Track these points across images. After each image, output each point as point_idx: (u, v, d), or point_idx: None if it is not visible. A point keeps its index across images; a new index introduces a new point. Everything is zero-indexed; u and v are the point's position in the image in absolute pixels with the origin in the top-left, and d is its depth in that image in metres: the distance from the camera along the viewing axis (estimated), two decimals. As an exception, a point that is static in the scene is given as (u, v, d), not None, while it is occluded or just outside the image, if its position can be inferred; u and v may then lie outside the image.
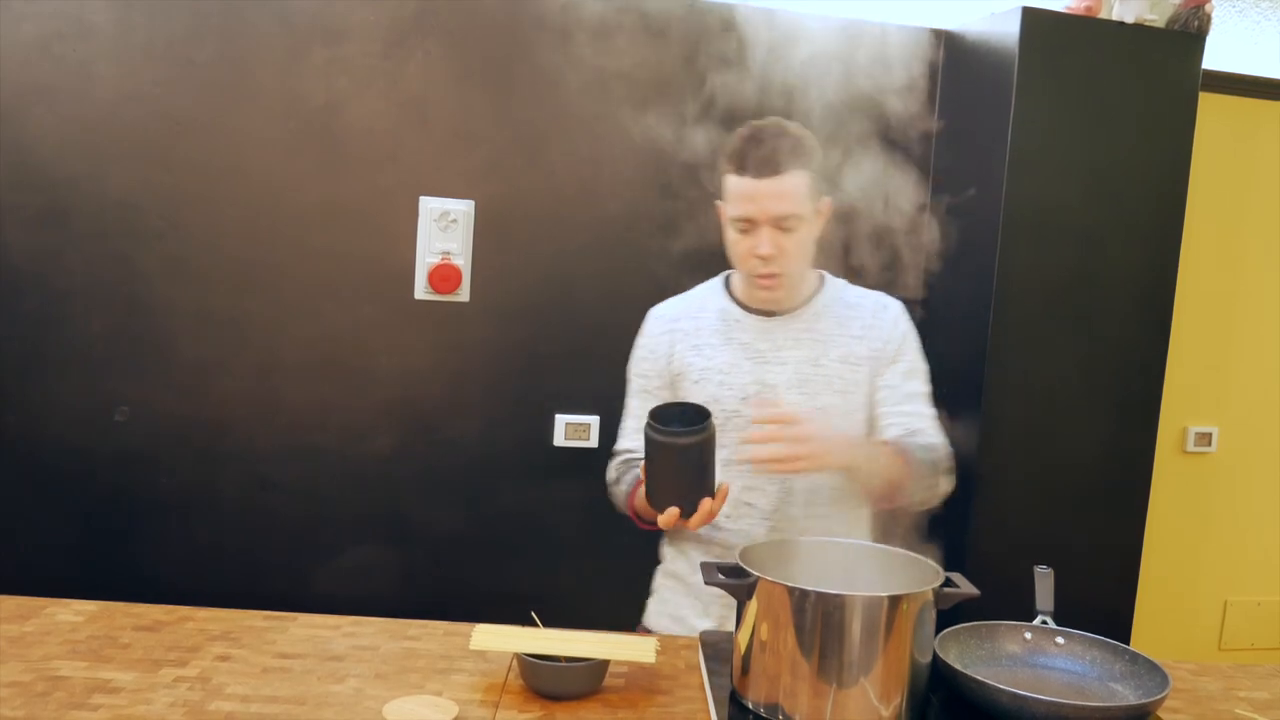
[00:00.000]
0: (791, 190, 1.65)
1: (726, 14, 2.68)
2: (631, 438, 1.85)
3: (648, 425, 1.52)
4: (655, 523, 1.66)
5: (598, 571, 2.78)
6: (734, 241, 1.71)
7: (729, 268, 1.84)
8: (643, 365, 1.85)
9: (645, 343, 1.86)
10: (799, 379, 1.73)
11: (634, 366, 1.87)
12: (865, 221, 2.61)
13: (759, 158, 1.64)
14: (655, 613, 1.89)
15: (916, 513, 1.73)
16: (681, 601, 1.84)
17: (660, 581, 1.91)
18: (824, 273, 1.85)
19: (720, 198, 1.73)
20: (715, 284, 1.87)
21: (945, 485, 1.74)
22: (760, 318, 1.78)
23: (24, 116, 2.45)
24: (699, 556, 1.77)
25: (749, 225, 1.67)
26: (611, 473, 1.87)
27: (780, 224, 1.66)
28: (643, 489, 1.67)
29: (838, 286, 1.85)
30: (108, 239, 2.52)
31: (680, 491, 1.56)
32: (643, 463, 1.61)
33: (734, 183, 1.67)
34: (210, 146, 2.54)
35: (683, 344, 1.80)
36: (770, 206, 1.64)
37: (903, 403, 1.76)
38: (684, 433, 1.52)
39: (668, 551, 1.90)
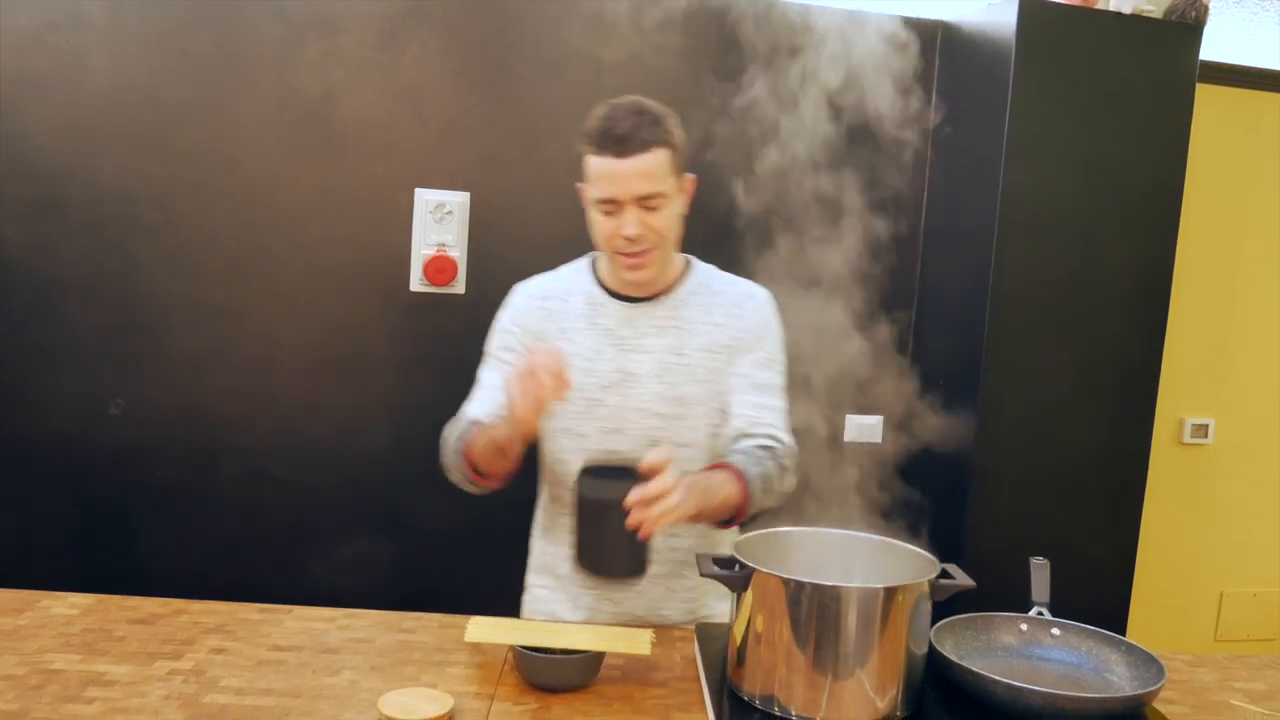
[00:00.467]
0: (652, 168, 1.61)
1: (722, 6, 2.67)
2: (478, 407, 1.73)
3: (581, 481, 1.38)
4: (495, 475, 1.64)
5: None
6: (598, 223, 1.67)
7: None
8: (505, 338, 1.78)
9: (512, 315, 1.79)
10: (661, 368, 1.70)
11: (497, 339, 1.79)
12: (863, 214, 2.62)
13: (617, 136, 1.59)
14: (530, 612, 1.85)
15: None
16: (555, 598, 1.80)
17: (532, 579, 1.88)
18: (690, 257, 1.82)
19: (581, 180, 1.69)
20: (581, 265, 1.83)
21: (789, 484, 1.69)
22: (624, 303, 1.74)
23: (18, 107, 2.44)
24: (560, 548, 1.76)
25: (613, 206, 1.63)
26: (449, 430, 1.74)
27: (645, 203, 1.62)
28: (478, 430, 1.62)
29: (704, 272, 1.81)
30: (102, 230, 2.51)
31: (615, 555, 1.42)
32: (574, 519, 1.46)
33: (595, 163, 1.62)
34: (205, 138, 2.53)
35: (550, 324, 1.75)
36: (634, 185, 1.61)
37: (751, 393, 1.72)
38: (623, 486, 1.36)
39: (538, 545, 1.88)
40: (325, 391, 2.63)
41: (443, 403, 2.68)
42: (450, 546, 2.73)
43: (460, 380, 2.69)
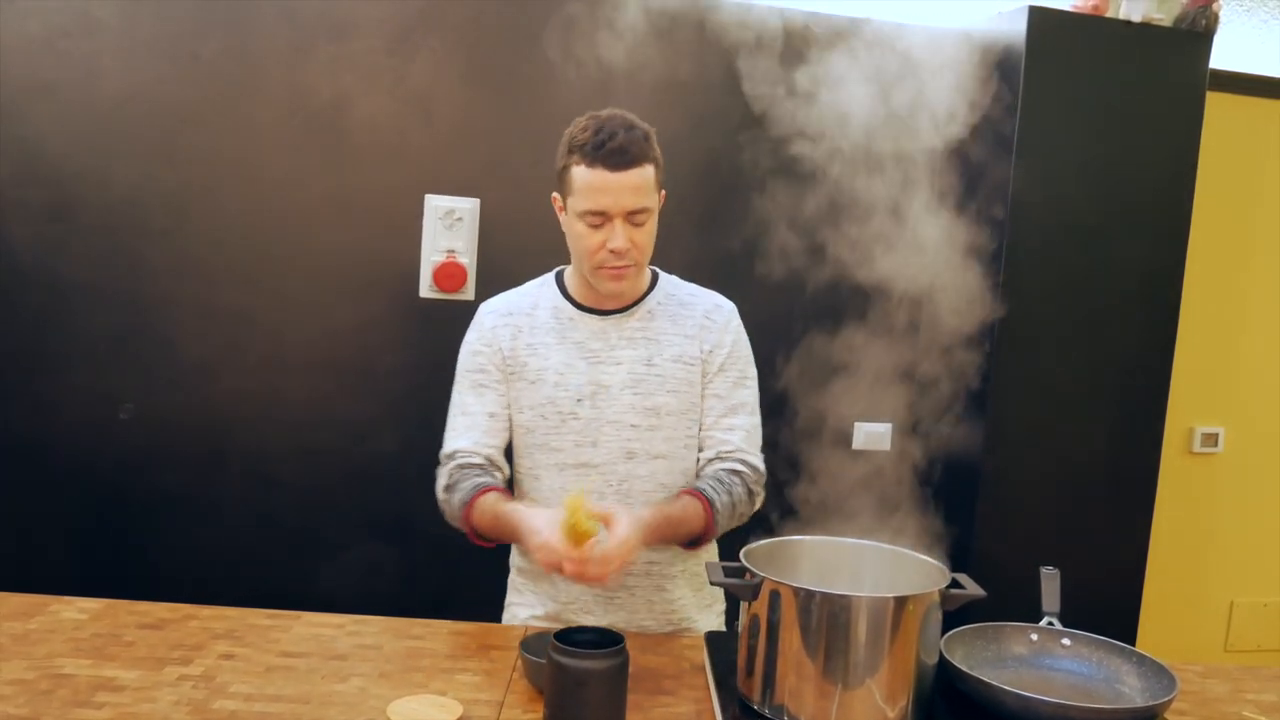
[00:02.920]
0: (641, 183, 1.62)
1: (733, 13, 2.67)
2: (463, 437, 1.73)
3: (552, 648, 1.27)
4: (494, 541, 1.66)
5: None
6: (581, 235, 1.65)
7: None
8: (477, 359, 1.77)
9: (478, 335, 1.79)
10: (633, 379, 1.70)
11: (466, 361, 1.79)
12: (873, 221, 2.61)
13: (612, 149, 1.59)
14: (511, 618, 1.84)
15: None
16: (532, 612, 1.79)
17: (512, 598, 1.86)
18: (656, 269, 1.82)
19: (561, 190, 1.69)
20: (547, 280, 1.82)
21: (755, 505, 1.74)
22: (594, 316, 1.74)
23: (29, 112, 2.45)
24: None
25: (601, 219, 1.62)
26: (442, 479, 1.72)
27: (633, 217, 1.63)
28: (486, 503, 1.63)
29: (671, 283, 1.81)
30: (113, 235, 2.52)
31: None
32: (546, 679, 1.32)
33: (583, 175, 1.61)
34: (215, 143, 2.53)
35: (518, 340, 1.75)
36: (625, 200, 1.61)
37: (725, 416, 1.74)
38: (597, 656, 1.26)
39: (514, 560, 1.87)
40: (334, 397, 2.64)
41: (451, 409, 2.70)
42: (459, 553, 2.71)
43: (469, 386, 2.70)
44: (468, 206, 2.62)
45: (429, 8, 2.57)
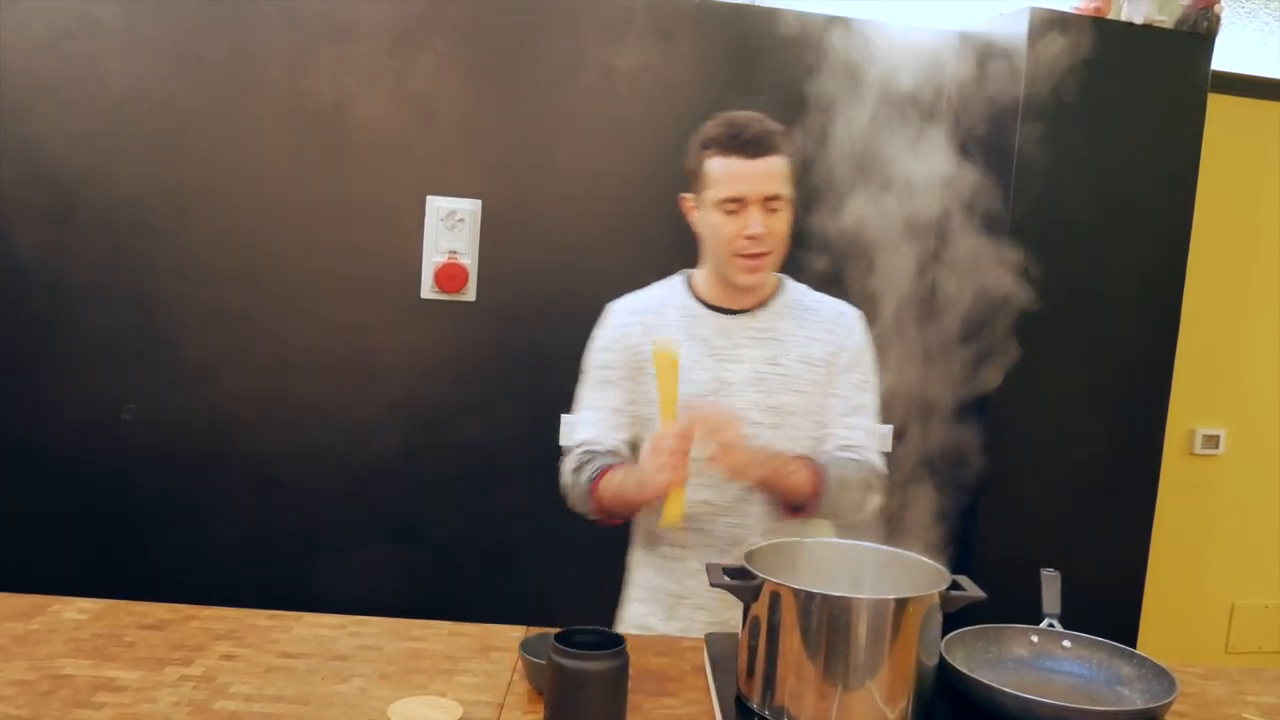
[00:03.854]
0: (777, 171, 1.68)
1: (734, 14, 2.67)
2: (589, 429, 1.79)
3: (552, 649, 1.26)
4: (621, 517, 1.68)
5: (602, 572, 2.77)
6: (718, 224, 1.70)
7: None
8: (605, 355, 1.82)
9: (608, 333, 1.83)
10: (756, 377, 1.73)
11: (594, 357, 1.83)
12: (871, 224, 2.61)
13: (748, 138, 1.66)
14: (627, 626, 1.86)
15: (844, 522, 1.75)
16: (648, 610, 1.81)
17: (631, 593, 1.88)
18: (783, 275, 1.85)
19: (693, 188, 1.74)
20: (675, 281, 1.86)
21: (873, 502, 1.74)
22: (721, 315, 1.78)
23: (32, 114, 2.46)
24: (662, 563, 1.79)
25: (738, 205, 1.67)
26: (570, 463, 1.78)
27: (769, 204, 1.67)
28: (611, 476, 1.67)
29: (798, 289, 1.85)
30: (115, 236, 2.52)
31: None
32: (546, 688, 1.29)
33: (720, 164, 1.68)
34: (217, 144, 2.54)
35: (647, 339, 1.77)
36: (762, 185, 1.66)
37: (847, 415, 1.76)
38: (597, 657, 1.25)
39: (636, 557, 1.88)
40: (336, 398, 2.64)
41: (453, 409, 2.70)
42: (460, 554, 2.73)
43: (471, 387, 2.71)
44: (469, 208, 2.62)
45: (430, 9, 2.57)
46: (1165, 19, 2.55)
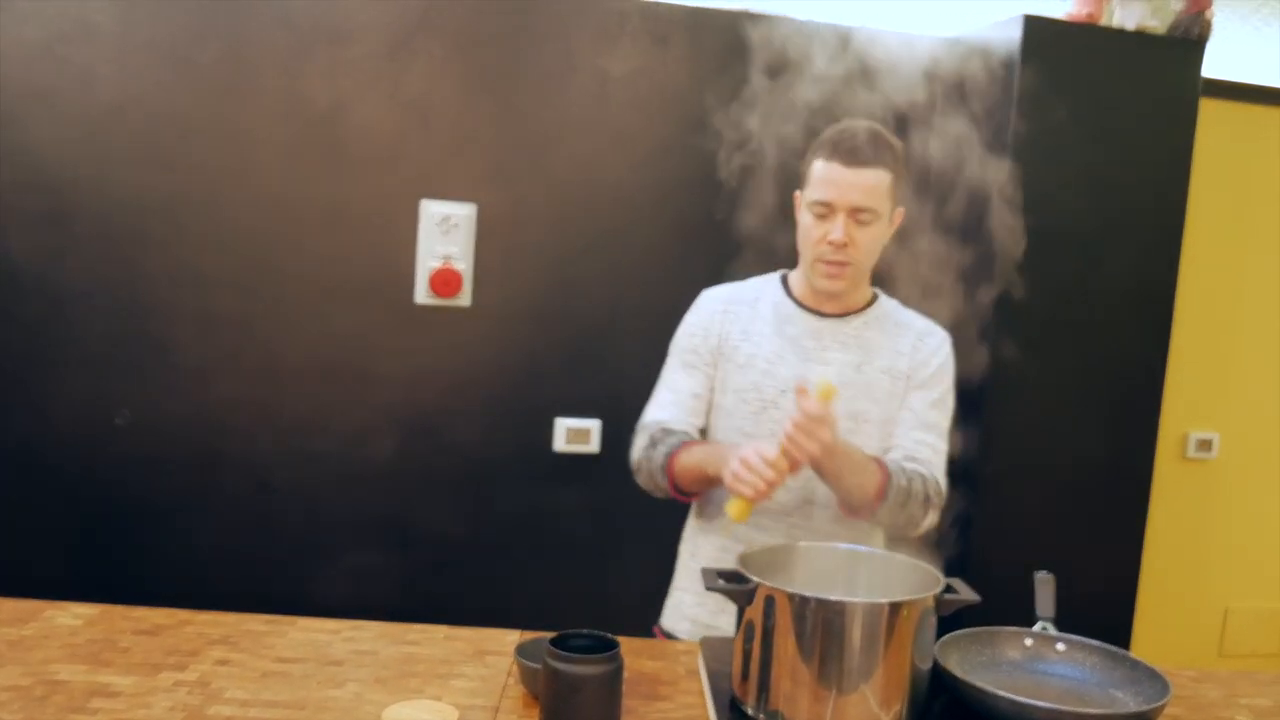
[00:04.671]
0: (874, 184, 1.67)
1: (728, 21, 2.68)
2: (666, 410, 1.81)
3: (547, 653, 1.26)
4: (694, 493, 1.69)
5: (598, 576, 2.78)
6: (808, 227, 1.72)
7: (767, 269, 1.86)
8: (692, 340, 1.83)
9: (697, 319, 1.84)
10: (840, 381, 1.72)
11: (680, 341, 1.85)
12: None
13: (849, 147, 1.67)
14: (674, 619, 1.88)
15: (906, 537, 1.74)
16: (702, 604, 1.81)
17: (680, 584, 1.90)
18: (879, 290, 1.86)
19: (800, 186, 1.76)
20: (772, 278, 1.87)
21: (930, 520, 1.74)
22: (812, 316, 1.79)
23: (27, 118, 2.46)
24: (709, 550, 1.80)
25: (826, 211, 1.68)
26: (643, 438, 1.79)
27: (856, 215, 1.68)
28: (690, 451, 1.69)
29: (891, 305, 1.86)
30: (110, 241, 2.52)
31: None
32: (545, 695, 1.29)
33: (820, 168, 1.69)
34: (213, 149, 2.54)
35: (734, 326, 1.80)
36: (851, 195, 1.67)
37: (917, 429, 1.77)
38: (592, 661, 1.26)
39: (688, 550, 1.89)
40: (330, 403, 2.64)
41: (447, 414, 2.70)
42: (455, 558, 2.73)
43: (466, 392, 2.71)
44: (464, 212, 2.63)
45: (426, 14, 2.58)
46: (1157, 25, 2.56)
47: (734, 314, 1.81)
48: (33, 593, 1.70)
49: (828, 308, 1.79)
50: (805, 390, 1.56)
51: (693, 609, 1.83)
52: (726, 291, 1.87)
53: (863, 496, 1.65)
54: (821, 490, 1.72)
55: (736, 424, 1.77)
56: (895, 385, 1.77)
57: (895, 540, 1.76)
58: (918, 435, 1.77)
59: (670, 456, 1.72)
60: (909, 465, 1.72)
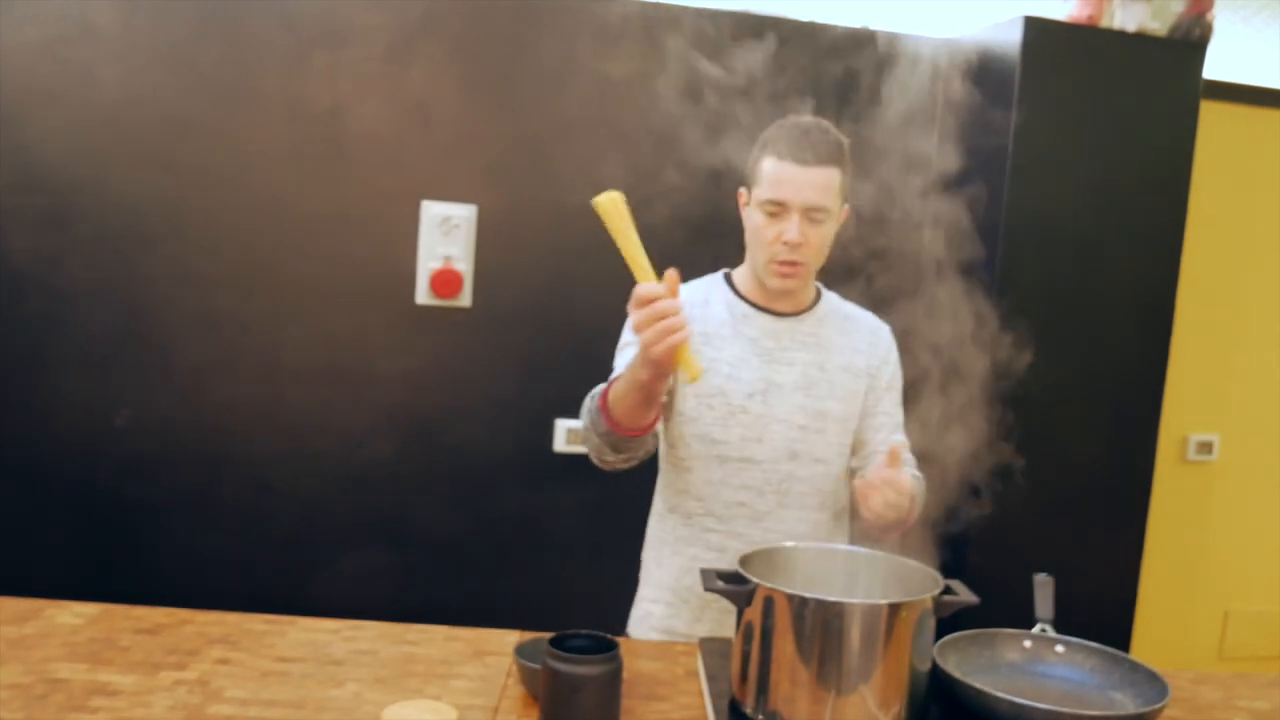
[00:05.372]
0: (827, 183, 1.66)
1: (729, 21, 2.68)
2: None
3: (546, 654, 1.27)
4: (639, 425, 1.57)
5: (596, 577, 2.78)
6: (758, 227, 1.70)
7: (736, 266, 1.83)
8: None
9: None
10: (806, 381, 1.74)
11: (632, 333, 1.72)
12: (866, 228, 2.62)
13: (803, 145, 1.65)
14: (642, 630, 1.84)
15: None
16: (672, 613, 1.80)
17: (645, 593, 1.87)
18: (819, 284, 1.86)
19: (747, 184, 1.74)
20: (715, 279, 1.85)
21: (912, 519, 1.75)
22: (769, 316, 1.78)
23: (27, 119, 2.46)
24: (679, 560, 1.78)
25: (779, 210, 1.67)
26: (586, 402, 1.69)
27: (810, 214, 1.67)
28: (615, 382, 1.59)
29: (833, 298, 1.86)
30: (110, 242, 2.52)
31: None
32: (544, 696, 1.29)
33: (771, 166, 1.67)
34: (213, 150, 2.54)
35: (692, 327, 1.75)
36: (806, 194, 1.65)
37: (896, 431, 1.79)
38: (591, 661, 1.27)
39: (653, 557, 1.86)
40: (330, 403, 2.64)
41: (448, 415, 2.71)
42: (455, 558, 2.73)
43: (466, 392, 2.71)
44: (464, 213, 2.63)
45: (427, 16, 2.58)
46: (1158, 27, 2.56)
47: (690, 315, 1.71)
48: (33, 592, 1.71)
49: (780, 306, 1.78)
50: (896, 453, 1.54)
51: (665, 620, 1.80)
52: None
53: (898, 519, 1.62)
54: (795, 489, 1.73)
55: (700, 430, 1.73)
56: (856, 382, 1.78)
57: (873, 542, 1.75)
58: (899, 437, 1.79)
59: (602, 396, 1.62)
60: (906, 470, 1.72)
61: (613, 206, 1.51)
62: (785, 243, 1.67)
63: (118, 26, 2.47)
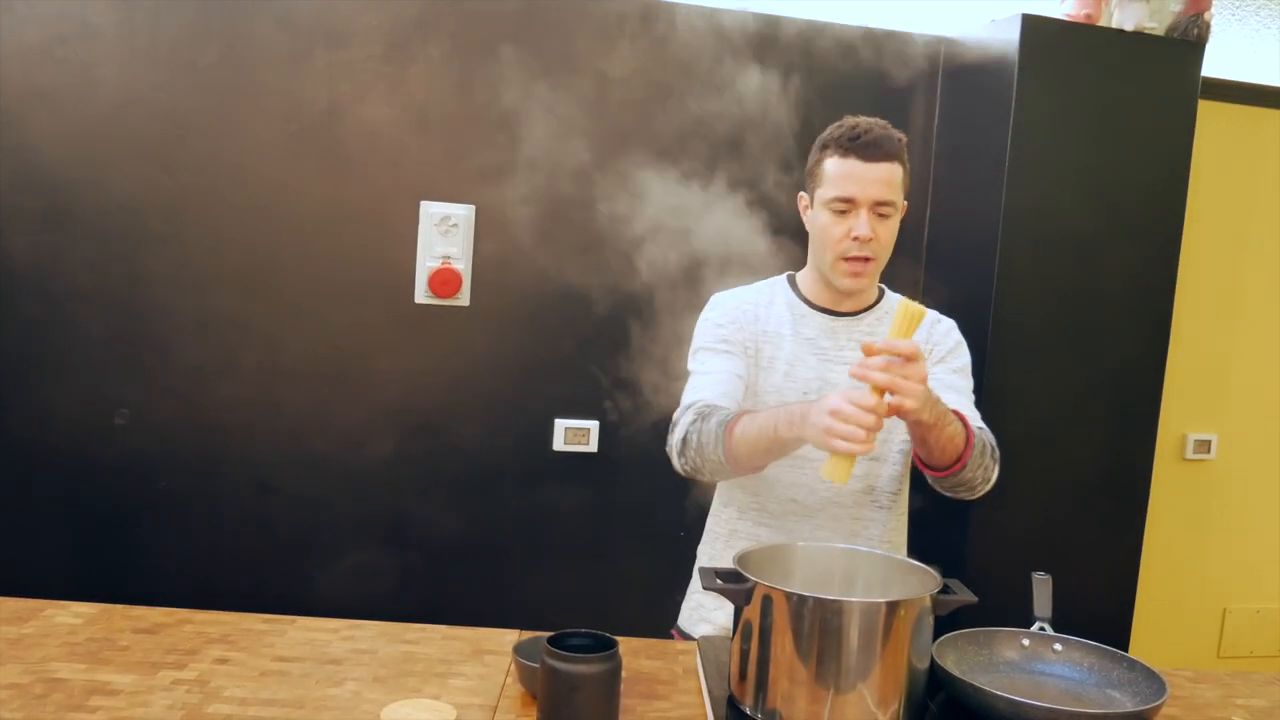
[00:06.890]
0: (891, 178, 1.68)
1: (728, 21, 2.68)
2: (708, 391, 1.68)
3: (545, 652, 1.26)
4: (749, 465, 1.58)
5: (596, 576, 2.78)
6: (825, 226, 1.71)
7: (768, 270, 1.85)
8: (720, 330, 1.75)
9: (721, 313, 1.78)
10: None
11: (708, 332, 1.77)
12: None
13: (867, 142, 1.67)
14: (693, 623, 1.85)
15: (968, 497, 1.70)
16: (724, 606, 1.80)
17: (698, 587, 1.86)
18: (883, 285, 1.86)
19: (809, 187, 1.75)
20: (779, 281, 1.86)
21: (992, 477, 1.71)
22: (828, 316, 1.78)
23: (26, 119, 2.46)
24: (730, 553, 1.77)
25: (848, 206, 1.68)
26: (688, 417, 1.64)
27: (878, 209, 1.68)
28: (751, 417, 1.55)
29: (897, 299, 1.84)
30: (109, 242, 2.52)
31: None
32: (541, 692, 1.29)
33: (836, 164, 1.69)
34: (212, 150, 2.54)
35: (757, 327, 1.77)
36: (873, 190, 1.67)
37: (949, 391, 1.71)
38: (590, 660, 1.26)
39: (707, 552, 1.87)
40: (330, 403, 2.64)
41: (447, 415, 2.71)
42: (454, 558, 2.73)
43: (465, 392, 2.71)
44: (463, 213, 2.63)
45: (425, 16, 2.58)
46: (1156, 26, 2.56)
47: (754, 314, 1.79)
48: (33, 592, 1.71)
49: (843, 306, 1.78)
50: (871, 347, 1.44)
51: (714, 612, 1.81)
52: (740, 293, 1.84)
53: (954, 449, 1.58)
54: (851, 486, 1.70)
55: None
56: None
57: (957, 499, 1.71)
58: (951, 397, 1.68)
59: (727, 425, 1.57)
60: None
61: (917, 313, 1.47)
62: (855, 238, 1.68)
63: (117, 27, 2.47)
